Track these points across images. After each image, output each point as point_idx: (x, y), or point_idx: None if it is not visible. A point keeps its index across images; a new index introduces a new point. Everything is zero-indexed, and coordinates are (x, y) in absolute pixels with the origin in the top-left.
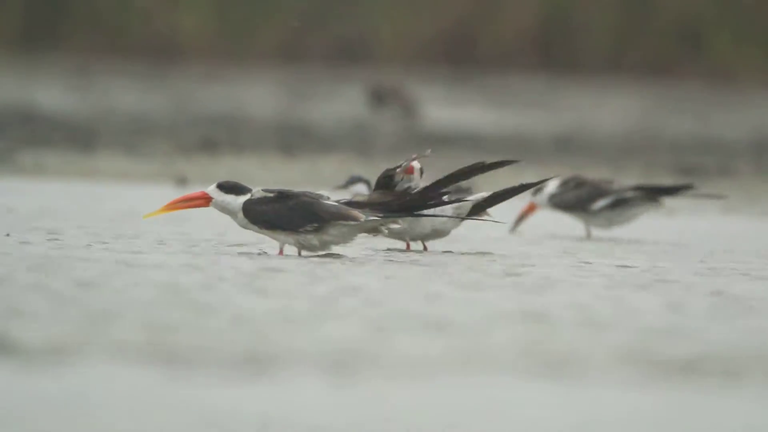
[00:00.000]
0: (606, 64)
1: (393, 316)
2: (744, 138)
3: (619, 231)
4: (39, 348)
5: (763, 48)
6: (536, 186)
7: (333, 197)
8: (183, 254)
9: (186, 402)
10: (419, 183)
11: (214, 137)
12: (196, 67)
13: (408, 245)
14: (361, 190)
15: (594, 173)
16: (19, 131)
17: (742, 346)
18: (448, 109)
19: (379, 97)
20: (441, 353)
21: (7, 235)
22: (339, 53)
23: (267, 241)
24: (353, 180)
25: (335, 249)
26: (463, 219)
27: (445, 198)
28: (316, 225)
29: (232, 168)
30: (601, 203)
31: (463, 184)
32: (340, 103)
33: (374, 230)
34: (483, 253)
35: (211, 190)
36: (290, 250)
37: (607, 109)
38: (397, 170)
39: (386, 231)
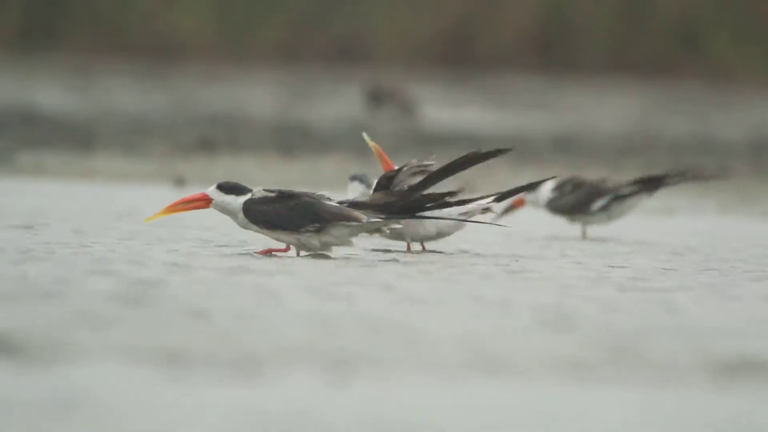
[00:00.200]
0: (605, 64)
1: (392, 317)
2: (743, 138)
3: (619, 232)
4: (38, 348)
5: (763, 48)
6: (536, 185)
7: (335, 198)
8: (184, 255)
9: (185, 402)
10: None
11: (212, 137)
12: (195, 68)
13: (408, 246)
14: (359, 189)
15: (593, 173)
16: (19, 131)
17: None
18: (447, 109)
19: (377, 98)
20: (440, 353)
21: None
22: (338, 53)
23: (270, 242)
24: (354, 178)
25: (335, 250)
26: (467, 222)
27: (449, 199)
28: (317, 225)
29: (230, 168)
30: (600, 203)
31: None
32: (339, 103)
33: (375, 230)
34: (481, 255)
35: (211, 191)
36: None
37: (606, 110)
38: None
39: (387, 231)
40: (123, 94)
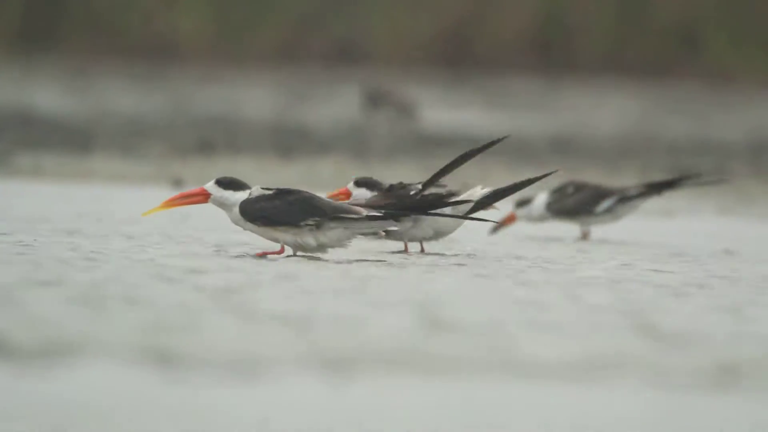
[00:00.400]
0: (604, 65)
1: (393, 316)
2: (741, 139)
3: (620, 233)
4: (38, 348)
5: (762, 49)
6: (537, 180)
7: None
8: (185, 254)
9: (185, 402)
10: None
11: (211, 139)
12: (193, 69)
13: (406, 247)
14: (363, 195)
15: (592, 174)
16: (16, 133)
17: None
18: (446, 110)
19: (374, 100)
20: (440, 354)
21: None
22: (337, 55)
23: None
24: (359, 183)
25: (332, 251)
26: (464, 218)
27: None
28: (317, 219)
29: (228, 170)
30: (606, 204)
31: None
32: (338, 104)
33: (372, 232)
34: (479, 256)
35: (210, 186)
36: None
37: (605, 111)
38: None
39: (383, 234)
40: (121, 95)
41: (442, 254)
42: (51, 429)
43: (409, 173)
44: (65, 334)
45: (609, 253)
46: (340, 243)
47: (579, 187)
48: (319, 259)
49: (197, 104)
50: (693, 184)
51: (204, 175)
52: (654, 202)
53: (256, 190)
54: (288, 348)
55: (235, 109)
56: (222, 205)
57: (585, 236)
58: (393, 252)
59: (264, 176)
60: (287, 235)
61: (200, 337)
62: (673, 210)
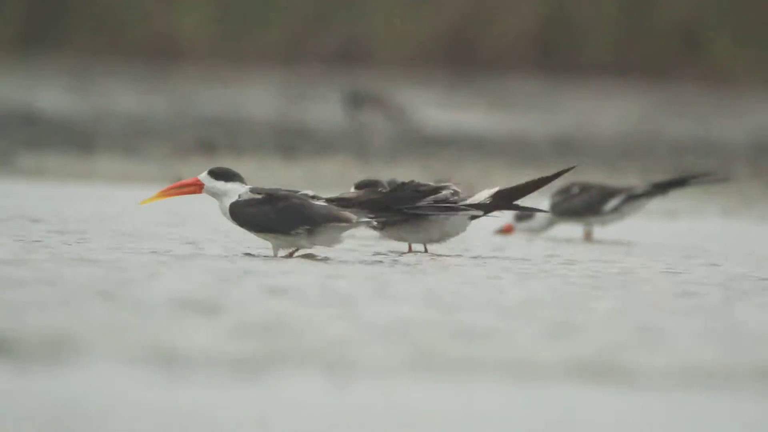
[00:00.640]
0: (606, 66)
1: (392, 316)
2: (743, 141)
3: (621, 233)
4: (38, 348)
5: (763, 51)
6: (552, 180)
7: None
8: (186, 253)
9: (185, 402)
10: None
11: (213, 139)
12: (196, 69)
13: (410, 247)
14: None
15: (594, 175)
16: (19, 133)
17: None
18: (448, 111)
19: (356, 103)
20: (438, 353)
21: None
22: (338, 55)
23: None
24: (363, 185)
25: (334, 250)
26: (462, 214)
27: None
28: (307, 227)
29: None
30: (613, 203)
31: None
32: (340, 105)
33: (366, 224)
34: (485, 258)
35: (203, 176)
36: (265, 248)
37: (606, 112)
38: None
39: (375, 223)
40: (123, 95)
41: (447, 255)
42: (52, 428)
43: (411, 174)
44: (66, 333)
45: (614, 254)
46: (332, 243)
47: (584, 188)
48: (327, 259)
49: (200, 104)
50: (698, 183)
51: None
52: (657, 203)
53: (245, 193)
54: (289, 348)
55: (238, 109)
56: (214, 195)
57: (588, 237)
58: (392, 251)
59: (266, 176)
60: (279, 239)
61: (203, 337)
62: (676, 210)
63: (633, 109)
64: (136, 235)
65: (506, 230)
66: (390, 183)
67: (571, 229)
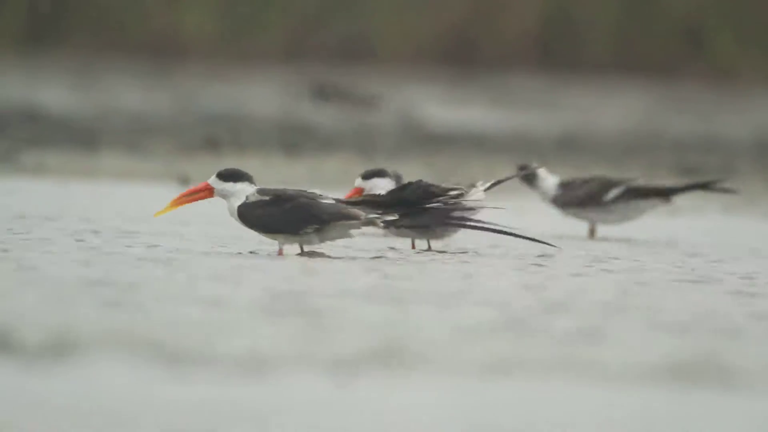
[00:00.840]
0: (609, 63)
1: (393, 316)
2: (746, 138)
3: (624, 231)
4: (39, 347)
5: (766, 48)
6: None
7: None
8: (187, 253)
9: (186, 401)
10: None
11: (216, 136)
12: (199, 67)
13: (413, 244)
14: (378, 185)
15: (596, 173)
16: (22, 130)
17: None
18: (450, 108)
19: (324, 95)
20: (439, 353)
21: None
22: (341, 53)
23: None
24: (368, 175)
25: (336, 248)
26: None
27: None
28: (316, 227)
29: (234, 167)
30: (613, 193)
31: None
32: (344, 102)
33: (371, 223)
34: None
35: (212, 180)
36: (272, 247)
37: (609, 109)
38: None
39: (382, 224)
40: (126, 93)
41: (446, 252)
42: (55, 428)
43: (414, 171)
44: (70, 330)
45: (620, 251)
46: (343, 237)
47: (586, 180)
48: (333, 256)
49: (203, 102)
50: (700, 189)
51: (210, 173)
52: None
53: (252, 195)
54: (294, 346)
55: (241, 106)
56: (224, 196)
57: (592, 234)
58: (393, 248)
59: (270, 173)
60: (287, 239)
61: (207, 335)
62: (678, 209)
63: (636, 106)
64: (138, 233)
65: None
66: (394, 174)
67: (573, 228)
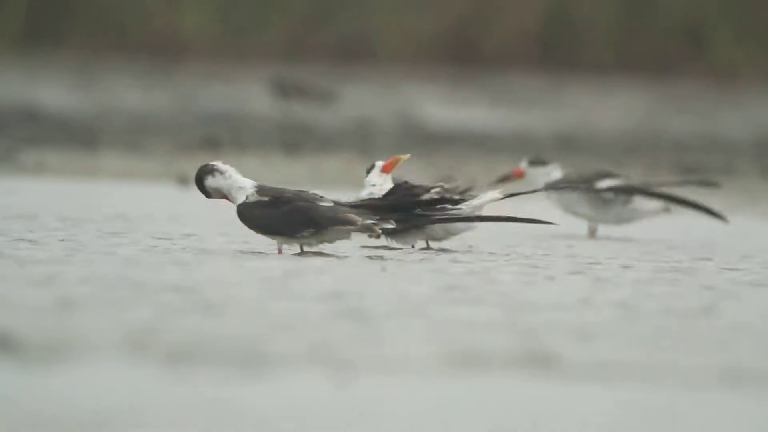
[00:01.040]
0: (609, 62)
1: (393, 316)
2: (747, 137)
3: (624, 231)
4: (39, 346)
5: (766, 47)
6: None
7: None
8: (187, 252)
9: (187, 401)
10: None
11: (216, 136)
12: (199, 66)
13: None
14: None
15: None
16: (21, 130)
17: None
18: (450, 108)
19: (284, 91)
20: (439, 353)
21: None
22: (341, 52)
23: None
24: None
25: (335, 248)
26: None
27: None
28: (313, 230)
29: (234, 167)
30: (607, 182)
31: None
32: (343, 102)
33: (368, 229)
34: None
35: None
36: (271, 248)
37: (610, 108)
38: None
39: (380, 231)
40: (126, 92)
41: (445, 251)
42: (54, 427)
43: (414, 171)
44: (70, 331)
45: (624, 250)
46: (342, 239)
47: (584, 172)
48: (330, 255)
49: (203, 101)
50: (689, 184)
51: None
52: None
53: (252, 195)
54: (296, 346)
55: (241, 105)
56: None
57: (592, 234)
58: (394, 249)
59: (270, 173)
60: (284, 241)
61: (207, 334)
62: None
63: (636, 105)
64: (138, 231)
65: (516, 174)
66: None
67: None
